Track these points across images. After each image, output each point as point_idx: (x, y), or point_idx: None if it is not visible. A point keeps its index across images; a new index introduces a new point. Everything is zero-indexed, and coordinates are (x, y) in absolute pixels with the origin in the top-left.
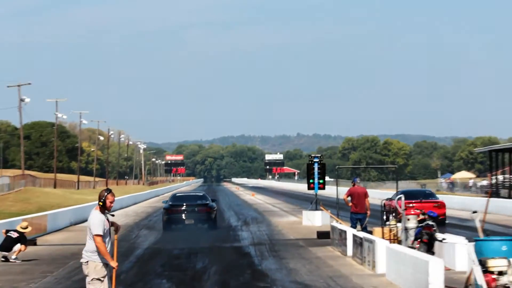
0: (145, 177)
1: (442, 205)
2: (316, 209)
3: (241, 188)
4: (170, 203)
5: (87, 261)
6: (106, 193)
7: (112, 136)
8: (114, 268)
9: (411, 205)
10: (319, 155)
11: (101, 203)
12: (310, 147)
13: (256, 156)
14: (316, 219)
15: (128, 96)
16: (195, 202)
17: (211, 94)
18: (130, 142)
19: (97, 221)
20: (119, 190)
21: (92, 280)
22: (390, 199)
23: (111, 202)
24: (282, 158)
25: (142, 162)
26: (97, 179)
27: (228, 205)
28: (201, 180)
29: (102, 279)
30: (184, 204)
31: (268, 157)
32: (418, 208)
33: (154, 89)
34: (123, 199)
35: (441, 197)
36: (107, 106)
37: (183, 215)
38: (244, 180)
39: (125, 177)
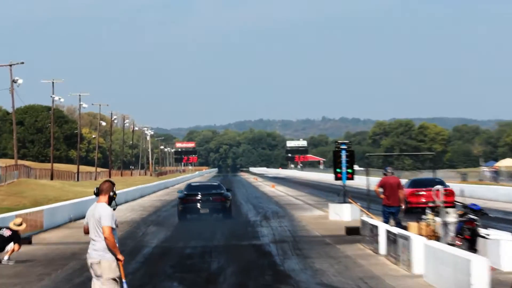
0: (153, 167)
1: (450, 193)
2: (344, 202)
3: (260, 179)
4: (185, 192)
5: (99, 261)
6: (114, 186)
7: (115, 121)
8: (120, 261)
9: (420, 193)
10: (347, 141)
11: (114, 196)
12: (337, 132)
13: (277, 142)
14: (345, 213)
15: (133, 78)
16: (210, 191)
17: (225, 74)
18: (136, 128)
19: (110, 213)
20: (123, 181)
21: (107, 280)
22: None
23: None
24: (305, 144)
25: (149, 150)
26: (99, 169)
27: (245, 198)
28: (215, 170)
29: (117, 279)
30: (199, 193)
31: (290, 143)
32: (428, 196)
33: (162, 69)
34: (128, 192)
35: (484, 187)
36: (109, 88)
37: (198, 204)
38: (263, 170)
39: (130, 167)
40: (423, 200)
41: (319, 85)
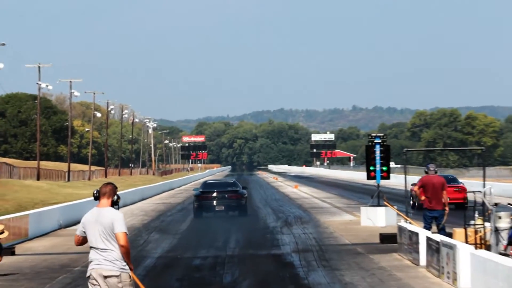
0: (156, 164)
1: (462, 190)
2: (379, 205)
3: (280, 178)
4: (201, 190)
5: (119, 274)
6: (116, 189)
7: (112, 112)
8: (132, 269)
9: None
10: (382, 134)
11: (118, 200)
12: (370, 124)
13: (300, 136)
14: (379, 218)
15: (133, 63)
16: (226, 189)
17: (240, 58)
18: (136, 120)
19: (123, 217)
20: (122, 181)
21: None
22: (415, 184)
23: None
24: (333, 138)
25: (152, 145)
26: (93, 168)
27: (263, 201)
28: (229, 168)
29: None
30: (215, 191)
31: (315, 137)
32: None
33: (167, 54)
34: (127, 193)
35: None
36: (106, 75)
37: (214, 201)
38: (284, 168)
39: (130, 165)
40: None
41: (349, 69)
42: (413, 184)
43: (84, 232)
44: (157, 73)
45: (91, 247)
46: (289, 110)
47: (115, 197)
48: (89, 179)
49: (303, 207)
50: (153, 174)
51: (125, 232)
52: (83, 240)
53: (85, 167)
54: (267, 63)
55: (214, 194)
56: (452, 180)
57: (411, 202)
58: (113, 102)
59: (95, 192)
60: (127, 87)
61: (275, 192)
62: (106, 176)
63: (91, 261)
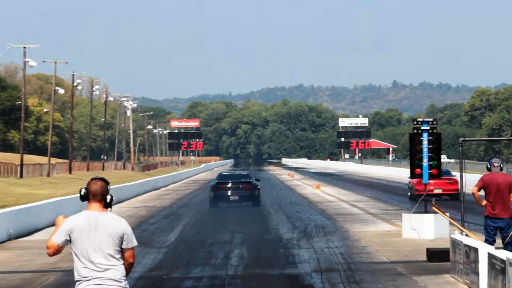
0: (136, 157)
1: (454, 182)
2: (426, 211)
3: (298, 175)
4: (217, 181)
5: None
6: (108, 185)
7: (79, 87)
8: None
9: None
10: (431, 119)
11: (112, 200)
12: (415, 106)
13: (324, 121)
14: (426, 228)
15: (107, 27)
16: (240, 180)
17: (244, 17)
18: (110, 98)
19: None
20: (90, 178)
21: None
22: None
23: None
24: (367, 123)
25: (131, 131)
26: (54, 160)
27: (276, 205)
28: (231, 161)
29: None
30: (230, 181)
31: (344, 122)
32: (435, 184)
33: (147, 14)
34: None
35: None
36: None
37: (229, 192)
38: (302, 162)
39: (102, 157)
40: (431, 188)
41: (388, 34)
42: (411, 177)
43: (69, 241)
44: (138, 40)
45: (79, 261)
46: (310, 86)
47: (109, 197)
48: (48, 175)
49: (327, 214)
50: (132, 169)
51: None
52: (60, 250)
53: (43, 160)
54: (279, 23)
55: (229, 185)
56: (445, 173)
57: (409, 194)
58: (80, 75)
59: (82, 190)
60: (99, 57)
61: (291, 193)
62: (70, 171)
63: (81, 280)
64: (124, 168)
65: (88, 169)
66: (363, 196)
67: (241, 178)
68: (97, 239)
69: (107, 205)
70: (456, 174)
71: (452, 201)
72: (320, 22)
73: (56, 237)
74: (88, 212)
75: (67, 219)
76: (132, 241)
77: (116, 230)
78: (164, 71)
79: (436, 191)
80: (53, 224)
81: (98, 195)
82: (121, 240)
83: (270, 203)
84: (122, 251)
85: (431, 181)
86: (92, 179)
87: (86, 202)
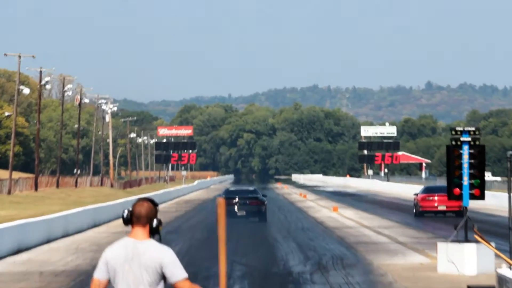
0: (116, 171)
1: None
2: (466, 240)
3: (311, 195)
4: (224, 196)
5: None
6: (157, 211)
7: (47, 86)
8: None
9: (432, 198)
10: (472, 128)
11: (160, 227)
12: (453, 111)
13: (343, 129)
14: (467, 261)
15: (81, 18)
16: (247, 195)
17: (245, 8)
18: (86, 100)
19: (176, 256)
20: (62, 198)
21: None
22: (417, 194)
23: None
24: (395, 133)
25: (110, 140)
26: (16, 174)
27: (285, 230)
28: (230, 177)
29: None
30: (237, 197)
31: (367, 131)
32: (439, 201)
33: (131, 3)
34: (69, 216)
35: None
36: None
37: (236, 207)
38: (317, 179)
39: (75, 171)
40: (435, 204)
41: (420, 30)
42: (416, 194)
43: (109, 274)
44: (119, 32)
45: None
46: (326, 88)
47: (155, 222)
48: (9, 192)
49: (347, 242)
50: (111, 185)
51: (187, 278)
52: None
53: (3, 174)
54: (288, 10)
55: (236, 200)
56: None
57: (414, 211)
58: (49, 72)
59: (126, 212)
60: (73, 52)
61: (303, 217)
62: (36, 188)
63: None
64: (101, 185)
65: (58, 186)
66: (390, 221)
67: (248, 193)
68: (133, 272)
69: (153, 231)
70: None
71: (498, 227)
72: (337, 9)
73: (97, 271)
74: (126, 239)
75: (106, 248)
76: (177, 274)
77: (153, 262)
78: (150, 68)
79: (440, 208)
80: (16, 252)
81: (143, 218)
82: (161, 274)
83: (277, 229)
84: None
85: (436, 197)
86: (138, 200)
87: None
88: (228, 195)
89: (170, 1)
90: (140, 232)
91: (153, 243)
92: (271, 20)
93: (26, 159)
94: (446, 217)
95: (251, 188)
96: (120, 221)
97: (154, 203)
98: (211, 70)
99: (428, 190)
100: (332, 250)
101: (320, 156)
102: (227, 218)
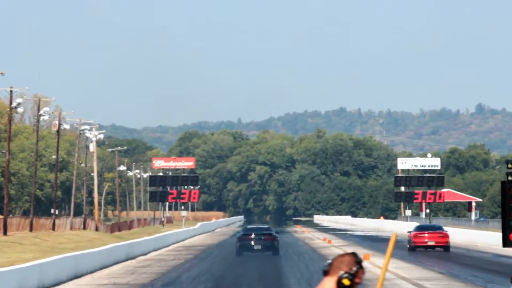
0: (102, 211)
1: (445, 236)
2: None
3: (337, 240)
4: (242, 233)
5: None
6: (357, 267)
7: (19, 109)
8: None
9: (423, 235)
10: None
11: (358, 280)
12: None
13: (375, 161)
14: None
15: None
16: (262, 232)
17: (256, 20)
18: (66, 126)
19: None
20: (38, 243)
21: None
22: (410, 232)
23: (358, 284)
24: (438, 166)
25: (95, 174)
26: None
27: (305, 282)
28: (240, 219)
29: None
30: (253, 233)
31: (405, 163)
32: (430, 238)
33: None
34: (45, 265)
35: None
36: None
37: (252, 242)
38: (344, 221)
39: (53, 211)
40: (425, 240)
41: (468, 44)
42: (409, 232)
43: None
44: (106, 47)
45: None
46: (356, 111)
47: (345, 274)
48: None
49: None
50: (96, 229)
51: None
52: None
53: None
54: (308, 21)
55: (252, 236)
56: (438, 228)
57: (407, 246)
58: (22, 92)
59: (326, 265)
60: (51, 70)
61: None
62: (5, 232)
63: None
64: (84, 228)
65: (31, 229)
66: (433, 272)
67: (263, 230)
68: None
69: (340, 285)
70: (448, 229)
71: None
72: (369, 20)
73: None
74: None
75: None
76: None
77: None
78: (143, 87)
79: (429, 243)
80: None
81: (333, 269)
82: None
83: (296, 280)
84: None
85: (426, 234)
86: (344, 254)
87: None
88: (245, 232)
89: (166, 4)
90: (325, 283)
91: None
92: (289, 30)
93: None
94: (435, 251)
95: (265, 226)
96: (107, 271)
97: (355, 257)
98: (216, 90)
99: (420, 228)
100: None
101: (348, 194)
102: (245, 251)
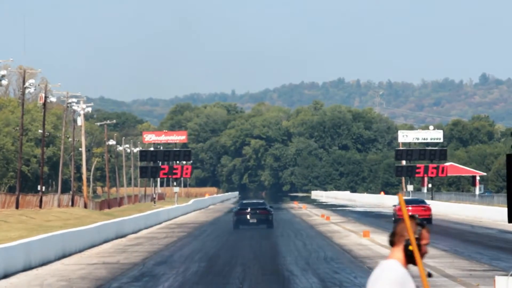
0: (91, 187)
1: (428, 209)
2: None
3: (335, 217)
4: (239, 208)
5: None
6: (419, 229)
7: (3, 81)
8: None
9: (407, 208)
10: None
11: (409, 248)
12: None
13: (375, 134)
14: None
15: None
16: (257, 206)
17: None
18: (53, 99)
19: (391, 278)
20: (23, 221)
21: None
22: (395, 205)
23: (426, 245)
24: (441, 138)
25: (83, 148)
26: None
27: (303, 261)
28: (234, 195)
29: None
30: (249, 208)
31: (406, 136)
32: (412, 211)
33: None
34: (32, 244)
35: None
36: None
37: (248, 216)
38: (343, 196)
39: (39, 188)
40: (410, 213)
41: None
42: (395, 205)
43: None
44: (93, 16)
45: None
46: (354, 82)
47: (405, 242)
48: None
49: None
50: (85, 206)
51: None
52: None
53: None
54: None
55: (248, 210)
56: (421, 201)
57: (393, 219)
58: (6, 64)
59: (389, 235)
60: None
61: (325, 244)
62: None
63: None
64: (72, 205)
65: (17, 206)
66: (436, 250)
67: (258, 205)
68: None
69: (408, 251)
70: (430, 203)
71: None
72: None
73: None
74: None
75: None
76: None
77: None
78: (132, 58)
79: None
80: None
81: (397, 236)
82: None
83: (293, 259)
84: None
85: (410, 207)
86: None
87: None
88: (242, 207)
89: None
90: (395, 252)
91: (394, 263)
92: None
93: None
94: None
95: (260, 201)
96: (97, 250)
97: (419, 221)
98: (209, 61)
99: (405, 202)
100: (363, 286)
101: (347, 168)
102: (241, 225)
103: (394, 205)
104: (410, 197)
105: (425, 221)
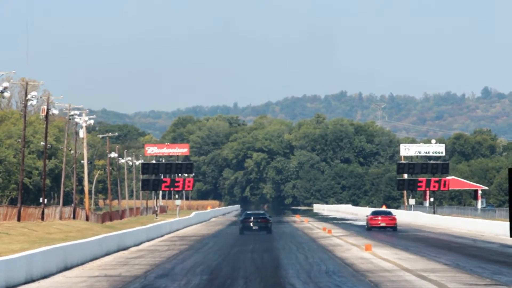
0: (93, 200)
1: (394, 219)
2: None
3: (337, 230)
4: (244, 217)
5: None
6: None
7: (6, 94)
8: None
9: (377, 218)
10: None
11: None
12: None
13: (377, 147)
14: None
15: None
16: (259, 216)
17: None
18: (55, 111)
19: None
20: (25, 233)
21: None
22: (368, 216)
23: None
24: (443, 152)
25: (85, 161)
26: None
27: (304, 274)
28: (236, 208)
29: None
30: (252, 217)
31: (408, 149)
32: (382, 221)
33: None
34: (33, 257)
35: None
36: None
37: (251, 223)
38: (345, 210)
39: (41, 200)
40: (379, 222)
41: (474, 26)
42: (367, 216)
43: None
44: (96, 29)
45: None
46: (357, 95)
47: None
48: None
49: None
50: (87, 218)
51: None
52: None
53: None
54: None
55: (251, 219)
56: (388, 213)
57: (366, 227)
58: (9, 76)
59: None
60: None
61: (327, 257)
62: None
63: None
64: (74, 217)
65: (19, 219)
66: (438, 263)
67: (260, 215)
68: None
69: None
70: (396, 213)
71: None
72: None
73: None
74: None
75: None
76: None
77: None
78: (135, 71)
79: (382, 224)
80: None
81: None
82: None
83: (295, 272)
84: None
85: (379, 217)
86: None
87: None
88: (246, 216)
89: None
90: None
91: None
92: (286, 12)
93: None
94: (387, 231)
95: (261, 212)
96: (98, 262)
97: None
98: (212, 74)
99: (375, 213)
100: None
101: (349, 182)
102: (245, 231)
103: (367, 216)
104: (379, 209)
105: (391, 228)
